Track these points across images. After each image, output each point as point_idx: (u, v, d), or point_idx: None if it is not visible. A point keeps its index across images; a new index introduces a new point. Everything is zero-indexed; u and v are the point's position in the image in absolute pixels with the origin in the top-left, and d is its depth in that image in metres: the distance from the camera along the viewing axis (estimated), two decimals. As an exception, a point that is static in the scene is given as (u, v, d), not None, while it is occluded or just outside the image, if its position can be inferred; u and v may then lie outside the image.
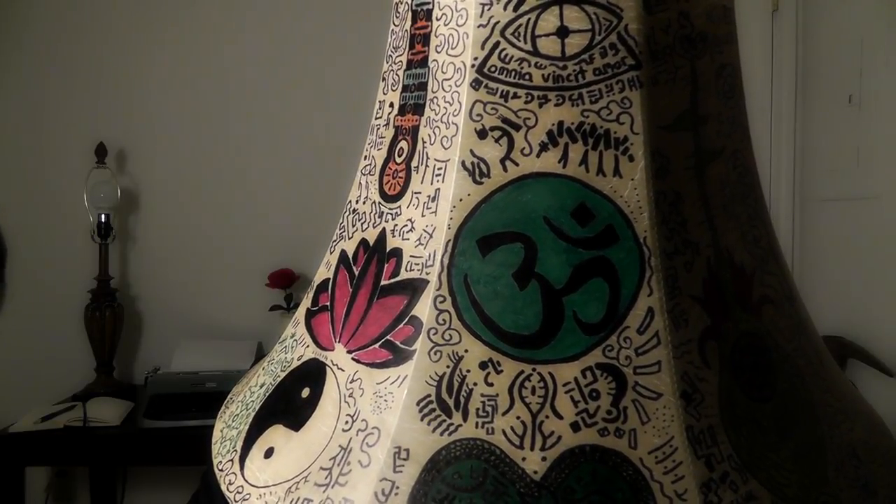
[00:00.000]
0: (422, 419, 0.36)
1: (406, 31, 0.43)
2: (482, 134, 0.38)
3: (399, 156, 0.42)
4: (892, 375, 1.67)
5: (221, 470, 0.43)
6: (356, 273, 0.42)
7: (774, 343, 0.41)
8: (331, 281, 0.44)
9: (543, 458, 0.35)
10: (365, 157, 0.46)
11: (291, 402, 0.42)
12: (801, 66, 2.17)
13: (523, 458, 0.35)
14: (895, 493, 0.41)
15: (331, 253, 0.46)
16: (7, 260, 2.33)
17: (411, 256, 0.39)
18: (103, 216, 2.21)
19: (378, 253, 0.41)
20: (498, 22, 0.38)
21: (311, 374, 0.42)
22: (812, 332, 0.45)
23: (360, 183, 0.46)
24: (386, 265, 0.40)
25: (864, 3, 1.89)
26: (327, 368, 0.41)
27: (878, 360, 1.69)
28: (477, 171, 0.38)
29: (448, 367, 0.36)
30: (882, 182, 1.76)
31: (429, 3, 0.41)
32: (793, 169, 2.18)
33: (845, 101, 1.90)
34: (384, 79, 0.45)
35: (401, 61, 0.43)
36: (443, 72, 0.40)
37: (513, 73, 0.38)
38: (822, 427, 0.40)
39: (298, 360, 0.44)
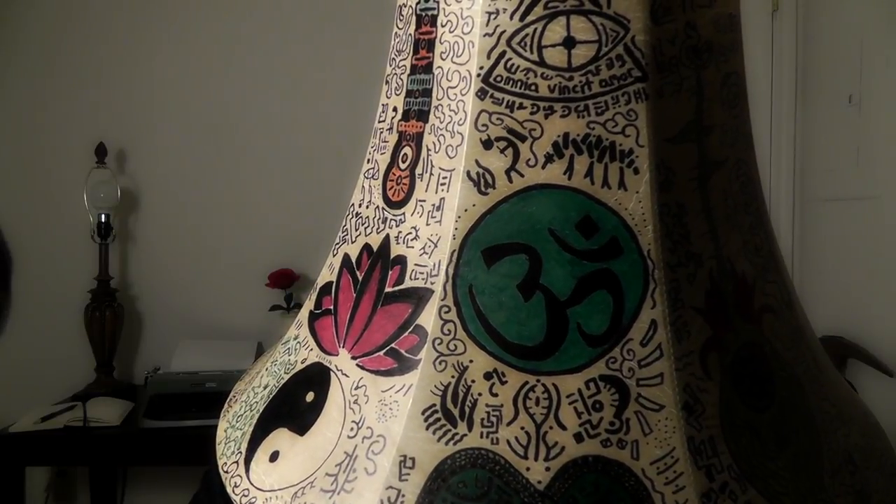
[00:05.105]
0: (427, 428, 0.36)
1: (410, 35, 0.43)
2: (487, 144, 0.38)
3: (403, 162, 0.42)
4: (892, 375, 1.66)
5: (226, 472, 0.42)
6: (360, 278, 0.42)
7: (774, 352, 0.41)
8: (334, 284, 0.44)
9: (547, 469, 0.35)
10: (368, 161, 0.46)
11: (296, 406, 0.42)
12: (801, 66, 2.17)
13: (527, 468, 0.35)
14: (888, 497, 0.41)
15: (333, 255, 0.46)
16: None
17: (416, 265, 0.39)
18: (103, 216, 2.21)
19: (382, 259, 0.41)
20: (504, 31, 0.38)
21: (315, 379, 0.42)
22: (810, 337, 0.45)
23: (364, 186, 0.45)
24: (390, 272, 0.40)
25: (864, 3, 1.88)
26: (331, 373, 0.41)
27: (878, 360, 1.69)
28: (482, 181, 0.38)
29: (453, 377, 0.37)
30: (882, 182, 1.76)
31: (434, 9, 0.41)
32: (793, 169, 2.18)
33: (845, 101, 1.90)
34: (387, 82, 0.45)
35: (404, 65, 0.43)
36: (448, 79, 0.39)
37: (519, 84, 0.37)
38: (818, 434, 0.41)
39: (302, 363, 0.44)
